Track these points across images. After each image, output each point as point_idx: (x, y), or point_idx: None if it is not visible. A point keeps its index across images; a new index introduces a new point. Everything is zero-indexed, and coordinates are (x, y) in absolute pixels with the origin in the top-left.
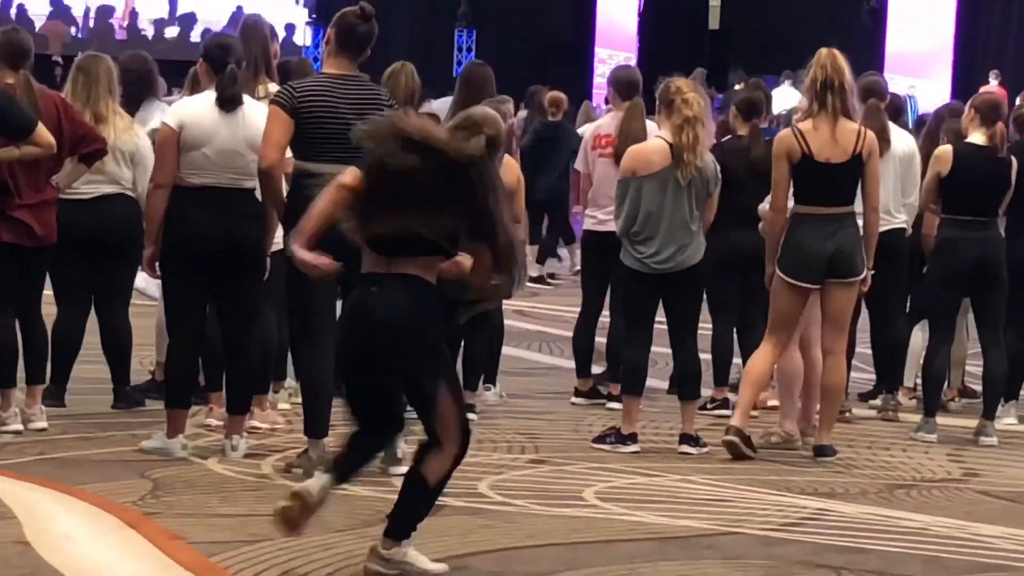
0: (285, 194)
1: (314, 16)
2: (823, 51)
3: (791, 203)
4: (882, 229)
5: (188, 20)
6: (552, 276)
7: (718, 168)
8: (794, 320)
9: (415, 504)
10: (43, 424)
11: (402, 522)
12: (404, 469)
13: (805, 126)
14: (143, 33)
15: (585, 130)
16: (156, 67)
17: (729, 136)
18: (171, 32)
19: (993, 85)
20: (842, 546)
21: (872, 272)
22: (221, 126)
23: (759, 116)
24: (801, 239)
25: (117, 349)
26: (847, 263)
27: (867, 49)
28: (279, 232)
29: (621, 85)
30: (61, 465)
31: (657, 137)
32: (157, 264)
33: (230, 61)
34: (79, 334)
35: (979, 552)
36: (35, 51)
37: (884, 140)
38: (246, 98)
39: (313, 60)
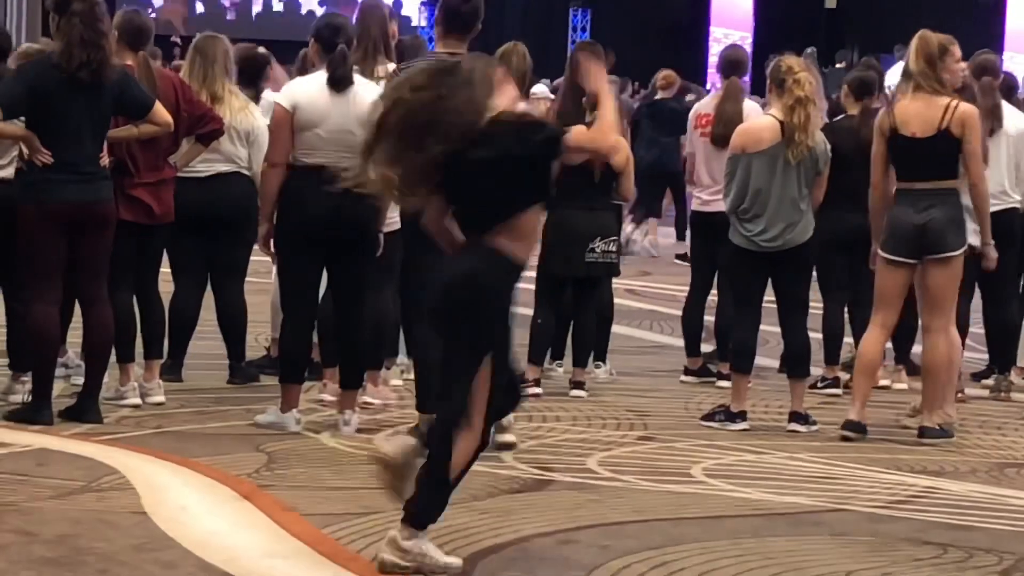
0: None
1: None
2: (922, 32)
3: None
4: (995, 209)
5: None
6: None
7: (828, 148)
8: (895, 298)
9: (431, 495)
10: (161, 398)
11: (421, 512)
12: (510, 437)
13: (900, 102)
14: (254, 12)
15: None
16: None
17: (840, 116)
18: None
19: None
20: (949, 523)
21: (988, 245)
22: (333, 106)
23: (870, 96)
24: (896, 214)
25: (233, 325)
26: (938, 238)
27: (986, 26)
28: (395, 210)
29: (722, 64)
30: (178, 438)
31: (768, 115)
32: (271, 242)
33: (340, 41)
34: (195, 310)
35: None
36: (155, 32)
37: (996, 119)
38: (357, 78)
39: (428, 40)
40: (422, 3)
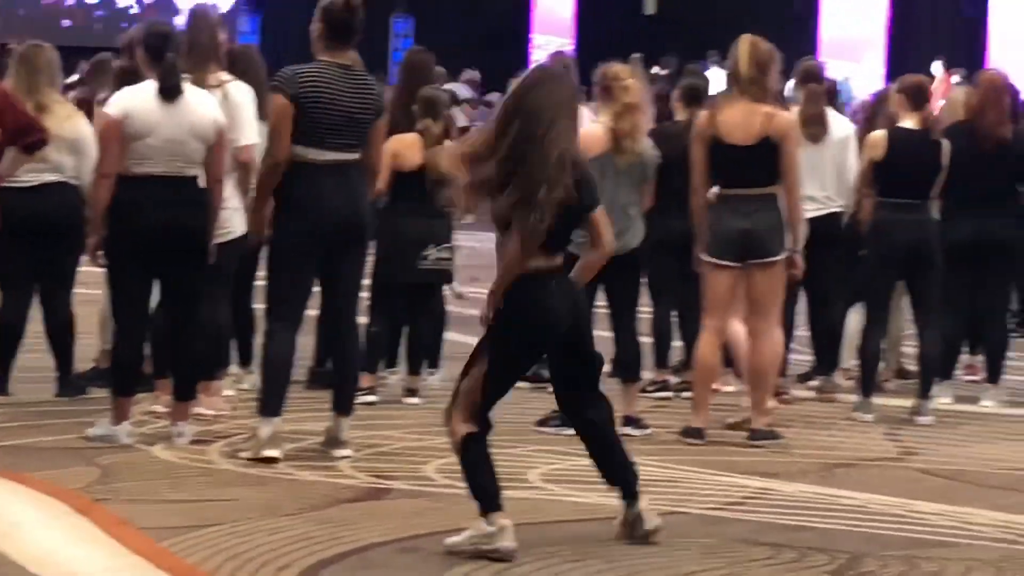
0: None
1: (251, 3)
2: (744, 39)
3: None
4: (819, 213)
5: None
6: None
7: (657, 154)
8: (724, 302)
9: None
10: None
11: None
12: (348, 452)
13: (720, 109)
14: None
15: None
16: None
17: (668, 121)
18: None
19: (940, 72)
20: (782, 524)
21: (796, 253)
22: (164, 116)
23: (700, 103)
24: (719, 219)
25: (61, 337)
26: (761, 243)
27: (802, 35)
28: (232, 220)
29: None
30: (8, 453)
31: (596, 122)
32: (100, 253)
33: (169, 50)
34: (22, 322)
35: (917, 528)
36: None
37: (822, 124)
38: (188, 86)
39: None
40: (242, 9)
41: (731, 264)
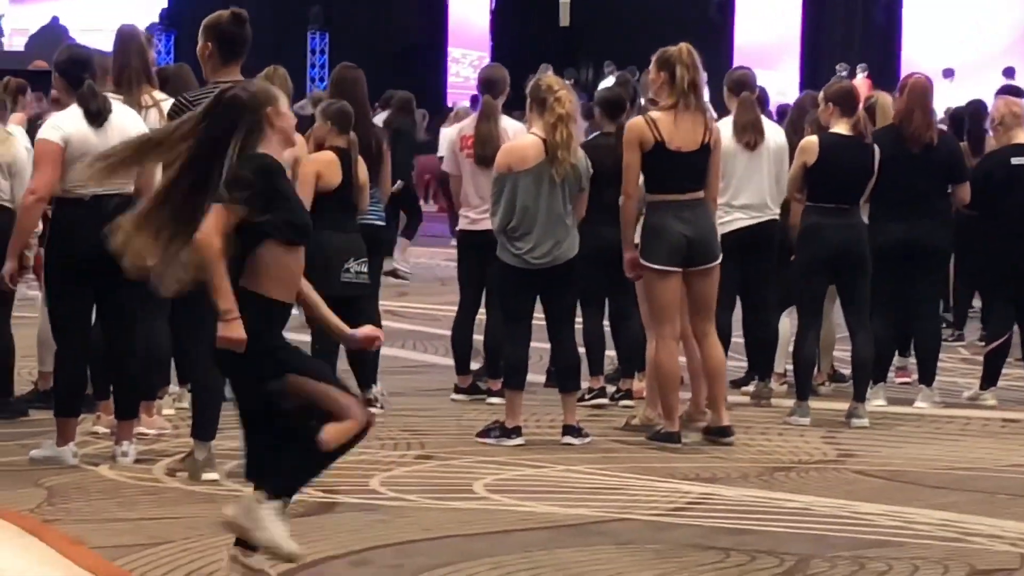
0: None
1: (164, 22)
2: (684, 49)
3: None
4: (757, 220)
5: None
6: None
7: (589, 164)
8: (675, 306)
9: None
10: None
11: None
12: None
13: (658, 115)
14: None
15: (450, 132)
16: None
17: (596, 133)
18: None
19: (860, 79)
20: (729, 528)
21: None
22: (98, 137)
23: (622, 113)
24: (662, 225)
25: (0, 359)
26: (705, 249)
27: (716, 42)
28: None
29: (479, 84)
30: None
31: (531, 134)
32: (8, 279)
33: (86, 76)
34: None
35: (862, 529)
36: None
37: (758, 132)
38: (115, 104)
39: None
40: (156, 28)
41: (675, 270)
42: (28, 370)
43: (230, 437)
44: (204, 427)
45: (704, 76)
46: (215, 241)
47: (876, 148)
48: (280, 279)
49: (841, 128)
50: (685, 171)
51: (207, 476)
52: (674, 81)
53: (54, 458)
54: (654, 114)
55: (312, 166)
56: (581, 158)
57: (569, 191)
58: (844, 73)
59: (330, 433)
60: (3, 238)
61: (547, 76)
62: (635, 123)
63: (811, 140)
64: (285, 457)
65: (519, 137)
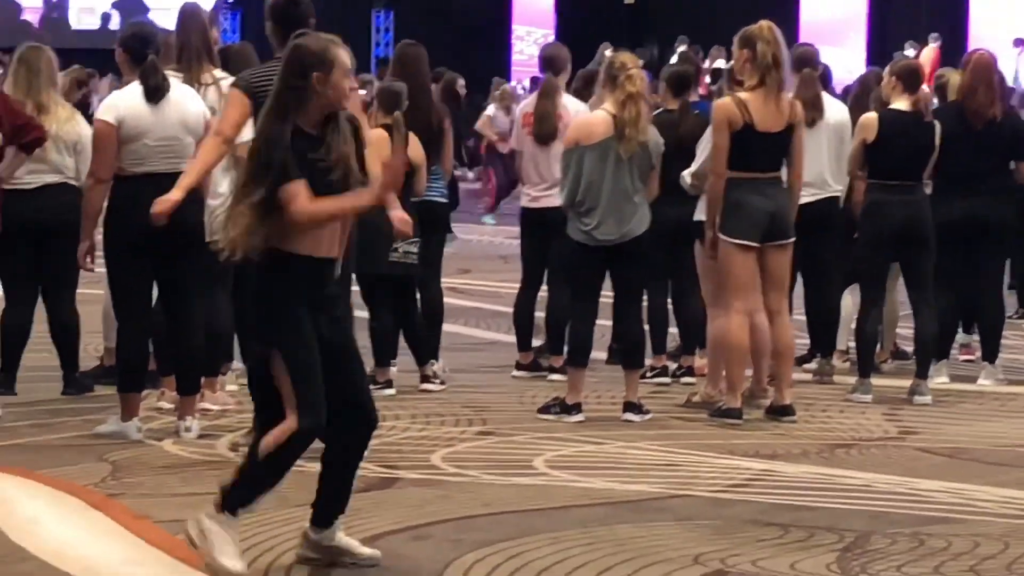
0: None
1: (231, 1)
2: (764, 26)
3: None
4: (817, 198)
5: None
6: None
7: (661, 142)
8: (752, 283)
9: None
10: None
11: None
12: None
13: (747, 96)
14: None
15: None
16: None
17: (660, 110)
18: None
19: (931, 48)
20: (788, 504)
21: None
22: (155, 116)
23: (687, 91)
24: (743, 201)
25: (65, 336)
26: (784, 225)
27: (781, 19)
28: None
29: (540, 62)
30: (19, 451)
31: (601, 109)
32: (89, 258)
33: (149, 52)
34: (28, 323)
35: (922, 506)
36: None
37: (817, 109)
38: (174, 82)
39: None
40: (224, 6)
41: (755, 245)
42: (94, 346)
43: None
44: None
45: (786, 52)
46: (305, 208)
47: (937, 124)
48: (303, 233)
49: (902, 104)
50: (770, 151)
51: None
52: (756, 58)
53: (118, 433)
54: (742, 95)
55: None
56: (652, 136)
57: (639, 168)
58: (910, 52)
59: (267, 439)
60: (72, 215)
61: (621, 54)
62: (725, 104)
63: (871, 117)
64: (244, 467)
65: (588, 113)
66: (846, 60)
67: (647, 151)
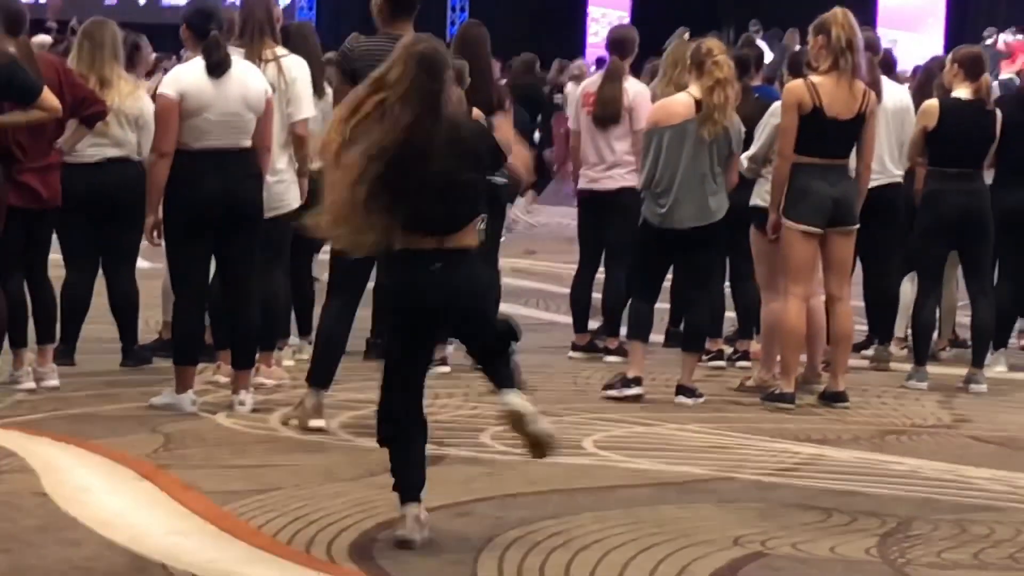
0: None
1: None
2: (839, 12)
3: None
4: (878, 183)
5: None
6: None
7: (743, 130)
8: (812, 267)
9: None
10: (55, 382)
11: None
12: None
13: (818, 80)
14: None
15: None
16: None
17: None
18: None
19: (1008, 38)
20: (834, 489)
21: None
22: (217, 91)
23: (748, 74)
24: (808, 186)
25: (125, 309)
26: (849, 211)
27: (860, 3)
28: (287, 193)
29: (608, 43)
30: (74, 421)
31: (685, 92)
32: (155, 233)
33: (212, 27)
34: (87, 295)
35: (968, 493)
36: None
37: (877, 94)
38: (236, 58)
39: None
40: None
41: (818, 231)
42: (155, 320)
43: (347, 389)
44: (317, 374)
45: (861, 39)
46: None
47: (998, 113)
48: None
49: (963, 92)
50: (838, 138)
51: (314, 424)
52: (830, 43)
53: (173, 405)
54: (815, 78)
55: None
56: (735, 122)
57: (718, 153)
58: (991, 40)
59: None
60: (133, 189)
61: (709, 40)
62: (796, 86)
63: (931, 104)
64: None
65: (671, 97)
66: (924, 46)
67: (728, 136)
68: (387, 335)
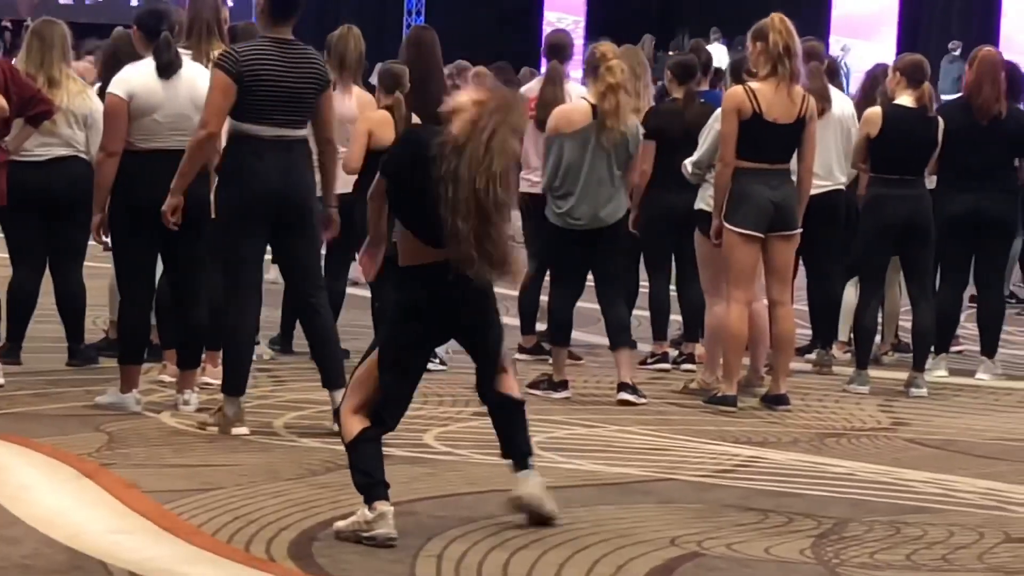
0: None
1: None
2: (776, 18)
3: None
4: (822, 190)
5: None
6: None
7: (641, 131)
8: (754, 271)
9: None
10: (0, 380)
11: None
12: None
13: (757, 86)
14: None
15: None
16: None
17: (665, 99)
18: None
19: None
20: (772, 491)
21: (802, 230)
22: (167, 92)
23: (692, 79)
24: (748, 191)
25: (71, 308)
26: (790, 216)
27: (814, 10)
28: None
29: (546, 48)
30: (18, 420)
31: (582, 98)
32: (101, 231)
33: (163, 28)
34: (34, 293)
35: (904, 495)
36: None
37: (825, 101)
38: (186, 60)
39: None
40: None
41: (759, 235)
42: (101, 319)
43: (293, 389)
44: (232, 382)
45: (799, 44)
46: None
47: (940, 120)
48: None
49: (906, 99)
50: (778, 143)
51: (236, 431)
52: (768, 49)
53: (117, 404)
54: (754, 84)
55: (364, 124)
56: (632, 126)
57: (617, 157)
58: (957, 52)
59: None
60: (81, 188)
61: (603, 44)
62: (735, 92)
63: (874, 111)
64: None
65: (570, 101)
66: (877, 54)
67: (626, 140)
68: (393, 342)
